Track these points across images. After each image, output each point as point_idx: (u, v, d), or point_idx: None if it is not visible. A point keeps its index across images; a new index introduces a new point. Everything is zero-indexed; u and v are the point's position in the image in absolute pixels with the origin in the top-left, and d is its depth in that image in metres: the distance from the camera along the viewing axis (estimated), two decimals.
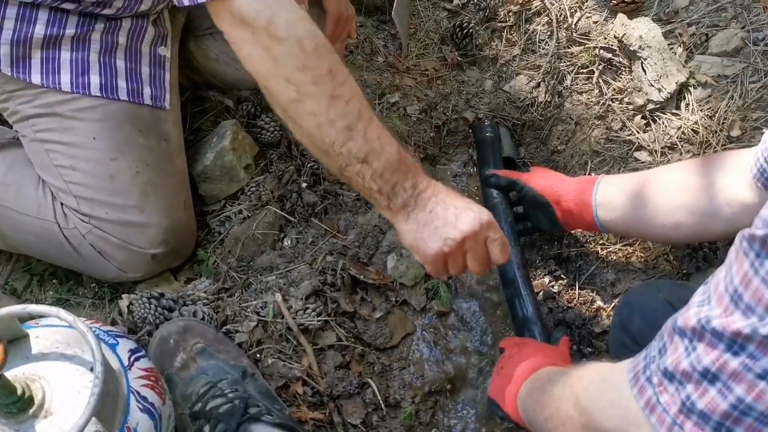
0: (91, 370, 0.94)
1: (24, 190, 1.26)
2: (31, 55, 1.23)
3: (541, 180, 1.33)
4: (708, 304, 0.60)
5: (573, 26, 1.73)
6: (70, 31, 1.24)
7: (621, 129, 1.58)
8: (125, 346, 1.02)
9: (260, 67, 0.94)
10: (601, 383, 0.77)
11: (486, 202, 1.44)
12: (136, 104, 1.28)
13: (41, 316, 0.99)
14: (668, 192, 1.17)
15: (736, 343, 0.55)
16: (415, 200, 0.99)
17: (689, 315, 0.61)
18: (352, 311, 1.32)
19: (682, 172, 1.17)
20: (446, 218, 0.98)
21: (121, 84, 1.27)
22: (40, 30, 1.22)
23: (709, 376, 0.57)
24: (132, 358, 1.01)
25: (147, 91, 1.30)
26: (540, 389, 0.94)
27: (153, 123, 1.30)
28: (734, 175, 1.07)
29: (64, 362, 0.96)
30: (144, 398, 0.98)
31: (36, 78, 1.23)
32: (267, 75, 0.94)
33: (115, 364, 0.97)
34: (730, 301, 0.57)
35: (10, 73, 1.23)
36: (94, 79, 1.25)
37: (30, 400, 0.90)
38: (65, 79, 1.24)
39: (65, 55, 1.24)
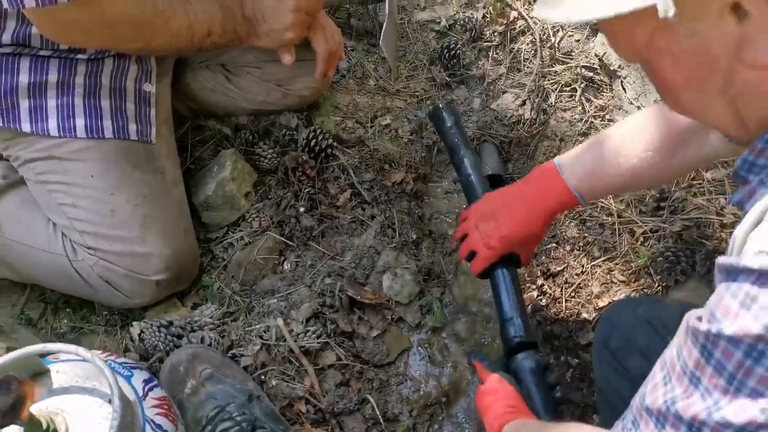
0: (109, 401, 1.01)
1: (34, 226, 1.32)
2: (19, 104, 1.29)
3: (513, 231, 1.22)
4: (670, 383, 0.66)
5: (556, 45, 1.80)
6: (52, 76, 1.30)
7: None
8: (139, 377, 1.09)
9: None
10: None
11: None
12: (125, 140, 1.34)
13: (59, 353, 1.06)
14: (629, 131, 1.16)
15: (693, 426, 0.61)
16: (249, 23, 1.32)
17: (656, 396, 0.67)
18: (350, 331, 1.39)
19: (651, 123, 1.15)
20: (269, 4, 1.31)
21: (107, 124, 1.32)
22: (24, 79, 1.28)
23: None
24: (146, 389, 1.08)
25: (132, 127, 1.36)
26: None
27: (147, 158, 1.37)
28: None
29: (84, 395, 1.03)
30: (159, 426, 1.05)
31: (26, 126, 1.30)
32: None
33: (131, 395, 1.04)
34: (689, 383, 0.63)
35: (1, 124, 1.29)
36: (80, 122, 1.31)
37: None
38: (53, 124, 1.30)
39: (51, 102, 1.30)
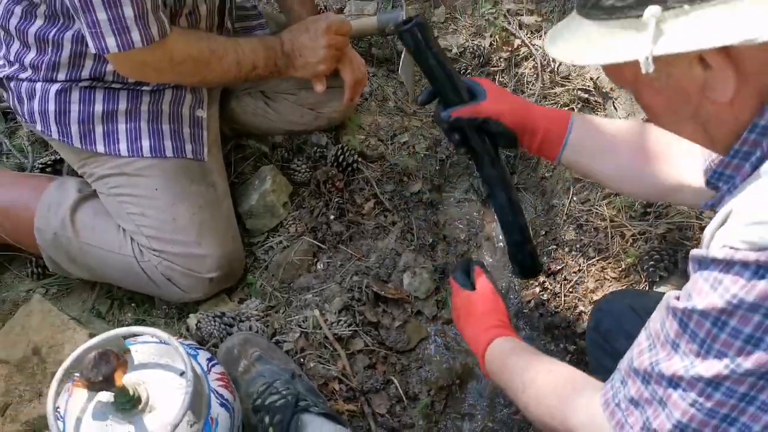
0: (181, 375, 1.23)
1: (108, 232, 1.55)
2: (95, 129, 1.52)
3: (508, 109, 1.24)
4: (654, 348, 0.82)
5: (555, 70, 2.01)
6: (122, 105, 1.53)
7: None
8: (203, 355, 1.31)
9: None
10: (575, 398, 0.98)
11: (461, 140, 1.27)
12: (182, 159, 1.57)
13: (139, 335, 1.28)
14: (636, 155, 1.23)
15: (673, 381, 0.78)
16: (287, 57, 1.53)
17: (642, 360, 0.83)
18: (375, 321, 1.60)
19: (649, 137, 1.22)
20: (304, 43, 1.53)
21: (167, 144, 1.55)
22: (99, 108, 1.52)
23: (661, 404, 0.80)
24: (209, 365, 1.30)
25: (188, 147, 1.58)
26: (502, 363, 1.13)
27: (201, 174, 1.59)
28: (690, 159, 1.13)
29: (159, 370, 1.25)
30: (221, 395, 1.26)
31: (100, 148, 1.53)
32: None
33: (198, 370, 1.26)
34: (671, 349, 0.79)
35: (80, 146, 1.53)
36: (145, 144, 1.54)
37: (138, 400, 1.18)
38: (123, 146, 1.53)
39: (121, 127, 1.53)
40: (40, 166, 1.81)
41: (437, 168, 1.94)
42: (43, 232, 1.57)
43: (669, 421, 0.79)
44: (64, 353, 1.39)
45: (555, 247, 1.78)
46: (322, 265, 1.68)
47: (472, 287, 1.27)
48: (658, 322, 0.83)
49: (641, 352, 0.84)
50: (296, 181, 1.78)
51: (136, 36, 1.29)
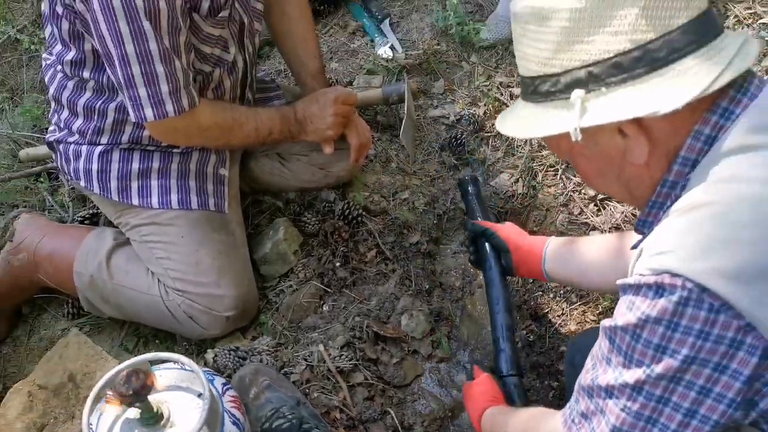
0: (199, 396, 1.40)
1: (138, 275, 1.75)
2: (131, 185, 1.75)
3: (507, 231, 1.68)
4: (594, 367, 0.98)
5: None
6: (155, 164, 1.76)
7: (579, 214, 2.05)
8: (219, 381, 1.48)
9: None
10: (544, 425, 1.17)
11: (477, 260, 1.74)
12: (206, 211, 1.78)
13: (164, 361, 1.46)
14: (598, 254, 1.51)
15: (608, 391, 0.94)
16: (300, 124, 1.77)
17: (586, 378, 0.99)
18: (375, 358, 1.77)
19: (609, 241, 1.51)
20: (315, 112, 1.77)
21: (193, 198, 1.77)
22: (135, 166, 1.75)
23: (602, 413, 0.95)
24: (224, 389, 1.47)
25: (211, 201, 1.80)
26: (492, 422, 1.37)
27: (222, 224, 1.80)
28: None
29: (180, 392, 1.42)
30: (233, 415, 1.43)
31: (135, 201, 1.75)
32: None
33: (214, 392, 1.43)
34: (605, 364, 0.95)
35: (118, 199, 1.76)
36: (174, 197, 1.76)
37: (161, 416, 1.35)
38: (155, 200, 1.76)
39: (154, 183, 1.76)
40: (79, 219, 2.04)
41: (435, 222, 2.13)
42: (81, 275, 1.78)
43: (607, 426, 0.95)
44: (96, 379, 1.57)
45: (541, 293, 1.95)
46: (327, 307, 1.86)
47: (473, 378, 1.56)
48: (598, 345, 0.99)
49: (587, 372, 1.00)
50: (306, 232, 1.98)
51: (169, 107, 1.52)
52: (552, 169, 2.16)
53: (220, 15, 1.59)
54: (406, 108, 2.11)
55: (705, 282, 0.81)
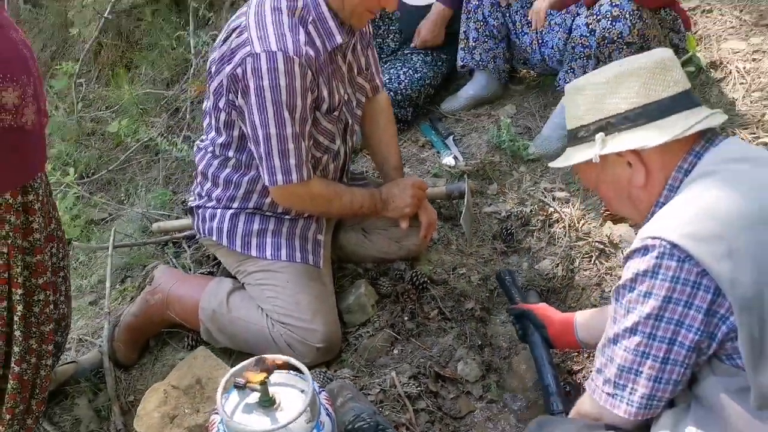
0: (302, 392, 1.81)
1: (251, 310, 2.21)
2: (251, 241, 2.26)
3: (541, 310, 2.07)
4: (606, 331, 1.42)
5: (579, 228, 2.67)
6: (271, 226, 2.27)
7: (610, 291, 2.45)
8: (316, 384, 1.88)
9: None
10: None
11: (523, 334, 2.18)
12: (306, 264, 2.26)
13: (278, 365, 1.88)
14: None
15: (615, 339, 1.35)
16: (384, 202, 2.25)
17: (600, 342, 1.44)
18: (435, 391, 2.14)
19: None
20: (396, 193, 2.28)
21: (297, 254, 2.26)
22: (256, 227, 2.26)
23: (611, 360, 1.37)
24: (320, 389, 1.87)
25: (311, 257, 2.28)
26: None
27: (318, 275, 2.27)
28: None
29: (288, 387, 1.83)
30: (326, 408, 1.82)
31: (254, 253, 2.25)
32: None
33: (315, 388, 1.83)
34: (612, 321, 1.38)
35: (240, 251, 2.26)
36: (283, 252, 2.25)
37: (274, 401, 1.75)
38: (269, 253, 2.25)
39: (269, 240, 2.27)
40: (200, 273, 2.54)
41: (487, 295, 2.55)
42: (205, 309, 2.25)
43: (614, 367, 1.36)
44: (218, 382, 1.98)
45: (576, 353, 2.32)
46: (397, 351, 2.26)
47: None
48: (611, 308, 1.42)
49: (602, 339, 1.43)
50: (381, 293, 2.43)
51: (294, 176, 2.06)
52: (587, 256, 2.59)
53: (333, 113, 2.16)
54: (465, 200, 2.61)
55: (675, 240, 1.25)
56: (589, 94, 1.49)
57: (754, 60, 3.06)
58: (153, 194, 3.00)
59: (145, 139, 3.43)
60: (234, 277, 2.35)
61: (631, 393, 1.36)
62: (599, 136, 1.45)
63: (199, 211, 2.33)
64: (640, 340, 1.31)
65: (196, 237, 2.53)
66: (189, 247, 2.74)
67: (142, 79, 3.99)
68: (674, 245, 1.25)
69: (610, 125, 1.45)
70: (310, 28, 2.00)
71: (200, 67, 3.62)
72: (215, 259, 2.62)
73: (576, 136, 1.52)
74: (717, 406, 1.30)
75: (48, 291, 1.90)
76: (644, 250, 1.31)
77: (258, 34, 1.94)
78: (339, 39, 2.04)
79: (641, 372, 1.34)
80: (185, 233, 2.80)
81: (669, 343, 1.28)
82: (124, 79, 3.53)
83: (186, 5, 3.99)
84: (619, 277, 1.43)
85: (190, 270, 2.61)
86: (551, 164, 1.62)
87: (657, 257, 1.27)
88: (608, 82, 1.45)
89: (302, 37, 1.97)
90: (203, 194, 2.33)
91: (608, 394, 1.40)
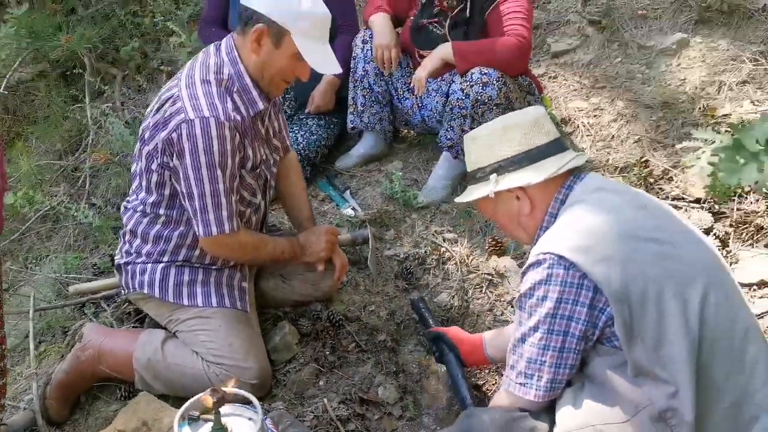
0: (249, 419, 1.99)
1: (186, 355, 2.36)
2: (183, 291, 2.44)
3: (453, 332, 2.41)
4: (514, 334, 1.78)
5: (469, 263, 3.06)
6: (200, 277, 2.47)
7: (501, 315, 2.83)
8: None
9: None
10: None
11: (440, 355, 2.49)
12: (235, 309, 2.46)
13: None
14: None
15: (522, 339, 1.70)
16: (302, 248, 2.52)
17: (509, 345, 1.79)
18: (362, 413, 2.39)
19: None
20: (312, 239, 2.54)
21: (226, 301, 2.46)
22: (185, 278, 2.45)
23: (520, 356, 1.71)
24: (264, 416, 2.06)
25: (238, 303, 2.49)
26: None
27: (246, 319, 2.47)
28: None
29: (236, 417, 2.01)
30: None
31: (185, 302, 2.43)
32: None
33: (261, 416, 2.02)
34: (519, 325, 1.74)
35: (172, 301, 2.43)
36: (213, 299, 2.45)
37: (226, 430, 1.94)
38: (200, 300, 2.44)
39: (199, 290, 2.46)
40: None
41: (394, 328, 2.85)
42: (140, 359, 2.38)
43: (523, 361, 1.69)
44: (164, 423, 2.12)
45: (478, 370, 2.66)
46: (323, 382, 2.50)
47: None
48: (515, 316, 1.77)
49: (510, 343, 1.78)
50: (302, 332, 2.66)
51: (226, 227, 2.28)
52: (478, 286, 2.97)
53: (256, 170, 2.42)
54: (370, 244, 2.93)
55: (561, 253, 1.61)
56: (481, 144, 1.87)
57: (595, 116, 3.67)
58: (65, 258, 3.06)
59: (46, 209, 3.47)
60: (164, 328, 2.50)
61: (538, 380, 1.70)
62: (493, 176, 1.83)
63: (128, 267, 2.48)
64: (542, 336, 1.66)
65: (122, 294, 2.64)
66: (108, 306, 2.83)
67: (34, 151, 4.02)
68: (561, 257, 1.62)
69: (501, 167, 1.82)
70: (236, 96, 2.27)
71: (99, 136, 3.74)
72: (137, 315, 2.74)
73: (475, 177, 1.89)
74: (604, 380, 1.67)
75: None
76: (537, 263, 1.67)
77: (191, 103, 2.18)
78: (261, 105, 2.32)
79: (545, 361, 1.68)
80: (102, 294, 2.89)
81: (564, 335, 1.64)
82: (20, 151, 3.57)
83: (76, 79, 4.11)
84: (518, 291, 1.78)
85: (113, 327, 2.71)
86: (456, 199, 1.97)
87: (548, 267, 1.64)
88: (496, 133, 1.84)
89: (230, 104, 2.23)
90: (132, 251, 2.48)
91: (520, 384, 1.73)
